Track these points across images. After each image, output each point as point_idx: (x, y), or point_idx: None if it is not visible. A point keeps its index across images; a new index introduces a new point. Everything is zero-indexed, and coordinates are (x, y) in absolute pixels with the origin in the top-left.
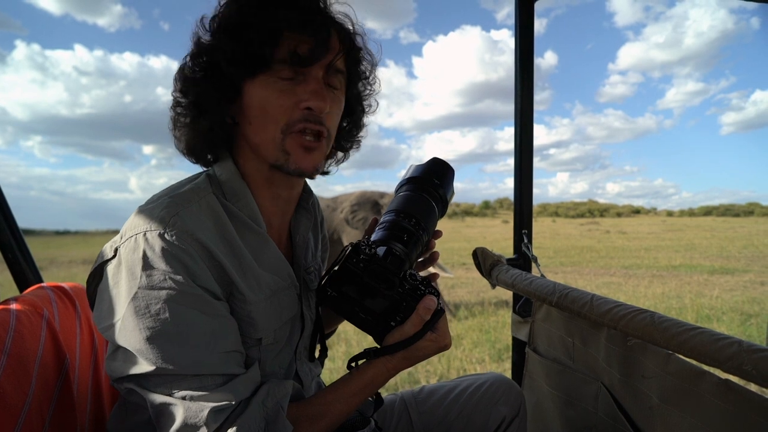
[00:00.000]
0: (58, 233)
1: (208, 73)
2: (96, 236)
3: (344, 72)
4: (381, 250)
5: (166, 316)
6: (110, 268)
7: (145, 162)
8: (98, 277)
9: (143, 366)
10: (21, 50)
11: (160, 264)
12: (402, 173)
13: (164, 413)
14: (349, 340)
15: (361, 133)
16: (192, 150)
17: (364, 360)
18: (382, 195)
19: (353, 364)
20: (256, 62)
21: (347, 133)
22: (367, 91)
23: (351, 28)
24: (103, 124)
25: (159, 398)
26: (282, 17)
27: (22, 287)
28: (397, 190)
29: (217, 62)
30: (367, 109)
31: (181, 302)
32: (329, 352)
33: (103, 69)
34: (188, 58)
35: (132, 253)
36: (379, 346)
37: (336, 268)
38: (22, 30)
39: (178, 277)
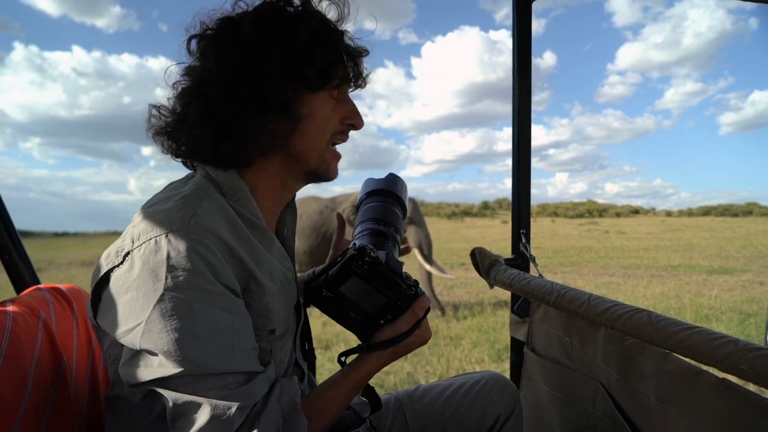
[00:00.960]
0: (57, 235)
1: (263, 80)
2: (95, 238)
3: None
4: (382, 254)
5: (193, 317)
6: (119, 274)
7: (144, 163)
8: (104, 284)
9: (169, 368)
10: (19, 52)
11: (185, 264)
12: (402, 174)
13: (188, 412)
14: (348, 340)
15: None
16: (207, 153)
17: (355, 355)
18: None
19: (343, 359)
20: (322, 80)
21: None
22: None
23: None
24: (102, 125)
25: (183, 398)
26: (344, 44)
27: (19, 289)
28: (363, 201)
29: (277, 74)
30: None
31: (208, 302)
32: (329, 353)
33: (101, 70)
34: (231, 60)
35: (153, 255)
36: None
37: (334, 270)
38: (20, 32)
39: (203, 277)
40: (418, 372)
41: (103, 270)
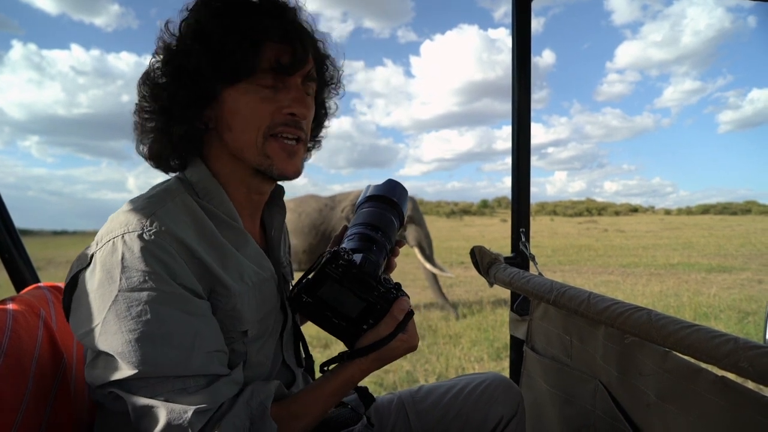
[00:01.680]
0: (56, 233)
1: (182, 79)
2: (94, 236)
3: (316, 79)
4: (357, 257)
5: (147, 318)
6: (86, 275)
7: (143, 161)
8: (74, 286)
9: (125, 370)
10: (17, 50)
11: (139, 265)
12: (401, 172)
13: (147, 416)
14: None
15: (321, 133)
16: (158, 155)
17: (337, 363)
18: None
19: (326, 368)
20: (238, 70)
21: (312, 135)
22: (331, 95)
23: (315, 36)
24: (101, 123)
25: (141, 401)
26: (264, 27)
27: (19, 287)
28: (359, 206)
29: (192, 68)
30: (328, 111)
31: (163, 302)
32: (329, 351)
33: (99, 69)
34: (156, 64)
35: (110, 256)
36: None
37: (312, 274)
38: (18, 30)
39: (159, 277)
40: (417, 370)
41: (73, 272)
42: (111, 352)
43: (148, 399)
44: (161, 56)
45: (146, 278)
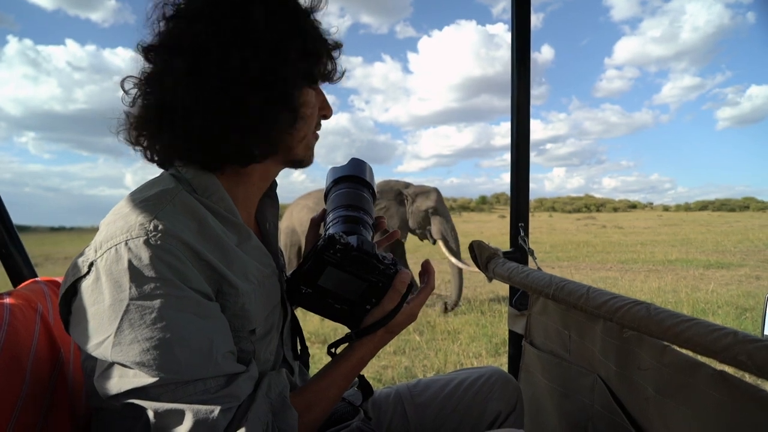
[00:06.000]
0: (53, 230)
1: (277, 75)
2: (91, 233)
3: None
4: (352, 239)
5: (162, 324)
6: (86, 285)
7: (140, 157)
8: (72, 295)
9: (144, 378)
10: (13, 45)
11: (148, 271)
12: (399, 169)
13: (171, 420)
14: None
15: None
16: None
17: (346, 344)
18: (407, 185)
19: (333, 350)
20: (322, 74)
21: None
22: None
23: None
24: (97, 119)
25: (164, 407)
26: (329, 40)
27: (16, 283)
28: (330, 190)
29: (290, 68)
30: None
31: (176, 308)
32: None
33: (96, 64)
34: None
35: (115, 264)
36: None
37: (308, 264)
38: (14, 25)
39: (170, 283)
40: (415, 366)
41: (70, 281)
42: (128, 363)
43: (170, 404)
44: (251, 43)
45: (157, 285)
